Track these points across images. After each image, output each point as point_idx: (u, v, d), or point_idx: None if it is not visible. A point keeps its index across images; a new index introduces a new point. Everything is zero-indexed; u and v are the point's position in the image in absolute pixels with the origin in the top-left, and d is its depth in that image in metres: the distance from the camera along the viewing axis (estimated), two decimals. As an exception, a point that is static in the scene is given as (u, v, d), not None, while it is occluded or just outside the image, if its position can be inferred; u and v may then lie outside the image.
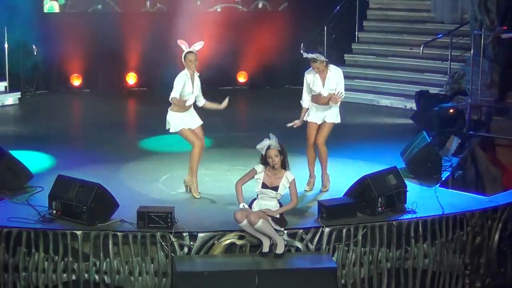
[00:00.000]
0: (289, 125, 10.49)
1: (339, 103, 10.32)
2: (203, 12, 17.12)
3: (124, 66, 16.97)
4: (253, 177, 9.14)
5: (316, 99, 10.43)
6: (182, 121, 10.15)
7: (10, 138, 13.12)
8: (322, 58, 10.26)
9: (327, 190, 10.50)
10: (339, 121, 10.46)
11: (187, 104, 10.09)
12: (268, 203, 9.06)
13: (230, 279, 8.64)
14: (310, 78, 10.35)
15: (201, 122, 10.32)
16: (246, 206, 9.00)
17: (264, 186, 9.06)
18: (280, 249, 8.89)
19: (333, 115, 10.40)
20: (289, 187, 9.07)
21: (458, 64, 15.50)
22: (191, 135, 10.20)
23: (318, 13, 16.95)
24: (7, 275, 8.93)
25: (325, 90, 10.32)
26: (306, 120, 10.53)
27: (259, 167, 9.10)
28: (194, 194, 10.23)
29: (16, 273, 8.93)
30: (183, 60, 10.12)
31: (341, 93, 10.27)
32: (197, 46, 10.14)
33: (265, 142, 9.05)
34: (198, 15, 16.75)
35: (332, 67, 10.37)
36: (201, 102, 10.30)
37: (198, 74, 10.20)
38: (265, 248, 8.91)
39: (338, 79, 10.33)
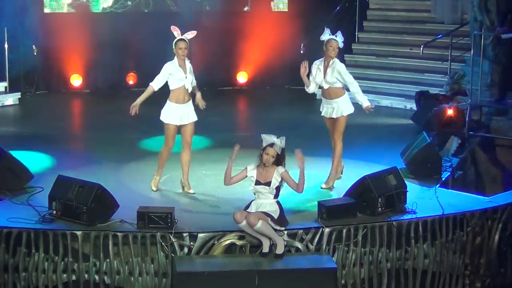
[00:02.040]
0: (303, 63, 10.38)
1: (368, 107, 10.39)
2: (203, 13, 17.13)
3: (124, 66, 16.99)
4: (246, 176, 9.11)
5: (323, 92, 10.46)
6: (176, 115, 10.16)
7: (10, 138, 13.12)
8: (340, 40, 10.23)
9: (331, 188, 10.55)
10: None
11: (188, 90, 10.13)
12: (265, 201, 9.04)
13: (230, 280, 8.64)
14: (315, 69, 10.37)
15: (195, 119, 10.31)
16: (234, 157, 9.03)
17: (258, 183, 9.04)
18: (280, 250, 8.89)
19: (345, 108, 10.39)
20: (284, 180, 8.98)
21: (458, 65, 15.51)
22: (171, 134, 10.25)
23: (318, 14, 16.96)
24: (7, 275, 8.93)
25: (325, 83, 10.34)
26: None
27: (251, 166, 9.10)
28: (152, 186, 10.44)
29: (16, 274, 8.93)
30: (173, 47, 10.14)
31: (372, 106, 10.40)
32: (189, 35, 10.16)
33: (272, 139, 9.01)
34: (198, 15, 16.76)
35: (336, 60, 10.36)
36: (193, 85, 10.28)
37: (188, 60, 10.21)
38: (265, 249, 8.91)
39: (338, 73, 10.29)
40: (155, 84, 10.16)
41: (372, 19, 17.95)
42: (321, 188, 10.57)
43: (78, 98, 16.63)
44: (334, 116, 10.42)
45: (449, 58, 15.57)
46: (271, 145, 8.97)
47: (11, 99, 15.99)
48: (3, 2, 15.46)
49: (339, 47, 10.36)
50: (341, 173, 10.72)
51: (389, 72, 16.66)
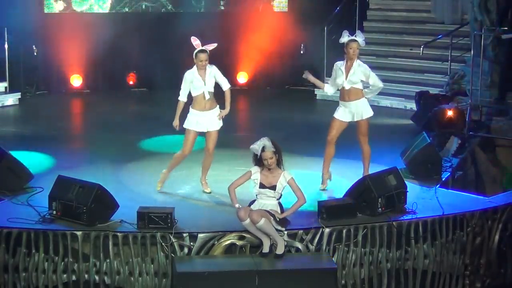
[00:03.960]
0: (304, 74, 10.38)
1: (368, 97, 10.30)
2: (203, 12, 17.14)
3: (124, 66, 16.99)
4: (249, 178, 9.11)
5: (342, 94, 10.37)
6: (196, 122, 10.15)
7: (10, 138, 13.12)
8: (360, 39, 10.17)
9: None
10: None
11: (206, 98, 10.12)
12: (267, 202, 9.05)
13: (230, 280, 8.64)
14: (336, 71, 10.27)
15: (218, 128, 10.27)
16: (241, 206, 8.98)
17: (262, 186, 9.05)
18: (280, 250, 8.89)
19: (364, 110, 10.33)
20: (290, 187, 9.04)
21: (458, 65, 15.52)
22: (190, 140, 10.21)
23: (318, 14, 16.97)
24: (7, 275, 8.93)
25: (347, 83, 10.26)
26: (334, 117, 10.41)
27: (254, 168, 9.08)
28: (158, 184, 10.42)
29: (16, 274, 8.92)
30: (194, 57, 10.14)
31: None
32: (210, 46, 10.17)
33: (260, 143, 9.00)
34: (198, 15, 16.77)
35: (359, 61, 10.30)
36: (224, 88, 10.34)
37: (213, 66, 10.24)
38: (265, 249, 8.91)
39: (363, 74, 10.25)
40: (182, 97, 10.15)
41: (372, 19, 17.95)
42: None
43: (78, 98, 16.63)
44: (354, 119, 10.35)
45: (449, 58, 15.58)
46: (263, 149, 8.96)
47: (11, 99, 15.99)
48: (3, 2, 15.46)
49: (359, 47, 10.23)
50: (330, 179, 10.63)
51: (389, 72, 16.63)
